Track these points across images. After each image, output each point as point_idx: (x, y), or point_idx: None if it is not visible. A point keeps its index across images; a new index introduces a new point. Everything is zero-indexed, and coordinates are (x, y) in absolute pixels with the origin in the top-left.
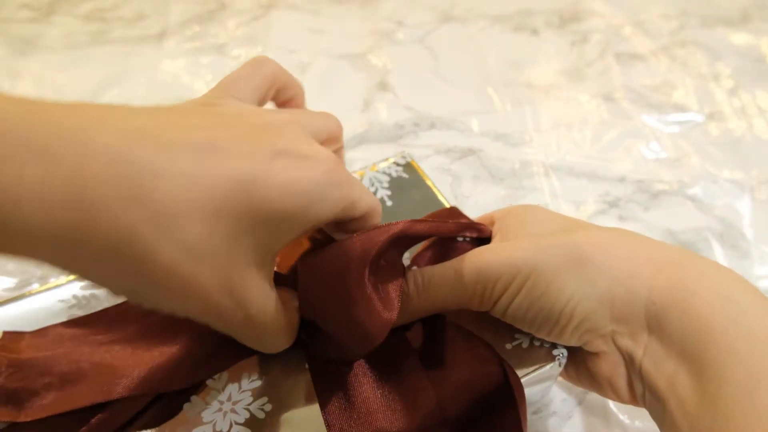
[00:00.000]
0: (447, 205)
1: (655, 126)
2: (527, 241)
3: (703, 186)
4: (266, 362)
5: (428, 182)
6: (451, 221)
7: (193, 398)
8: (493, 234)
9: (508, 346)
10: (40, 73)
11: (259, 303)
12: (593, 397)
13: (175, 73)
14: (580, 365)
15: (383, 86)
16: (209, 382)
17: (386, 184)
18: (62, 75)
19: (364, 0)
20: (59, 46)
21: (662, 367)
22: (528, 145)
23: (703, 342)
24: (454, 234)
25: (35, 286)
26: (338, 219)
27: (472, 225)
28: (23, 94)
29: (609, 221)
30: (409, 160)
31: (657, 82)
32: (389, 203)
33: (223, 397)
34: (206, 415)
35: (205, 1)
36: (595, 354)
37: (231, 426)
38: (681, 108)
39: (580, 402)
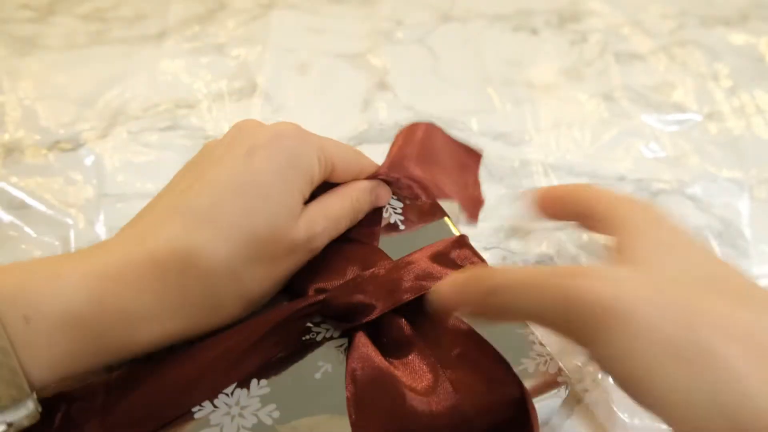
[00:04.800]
0: (457, 233)
1: (655, 125)
2: (662, 294)
3: (702, 185)
4: (276, 369)
5: (441, 210)
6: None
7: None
8: (615, 245)
9: (514, 370)
10: (40, 73)
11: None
12: (593, 395)
13: (174, 73)
14: None
15: (383, 86)
16: None
17: (399, 210)
18: (62, 75)
19: (364, 0)
20: (59, 46)
21: None
22: (527, 144)
23: None
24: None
25: None
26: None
27: (472, 259)
28: (23, 94)
29: None
30: None
31: (656, 81)
32: (402, 227)
33: (231, 401)
34: (214, 418)
35: (204, 1)
36: None
37: (238, 430)
38: (680, 107)
39: (579, 401)
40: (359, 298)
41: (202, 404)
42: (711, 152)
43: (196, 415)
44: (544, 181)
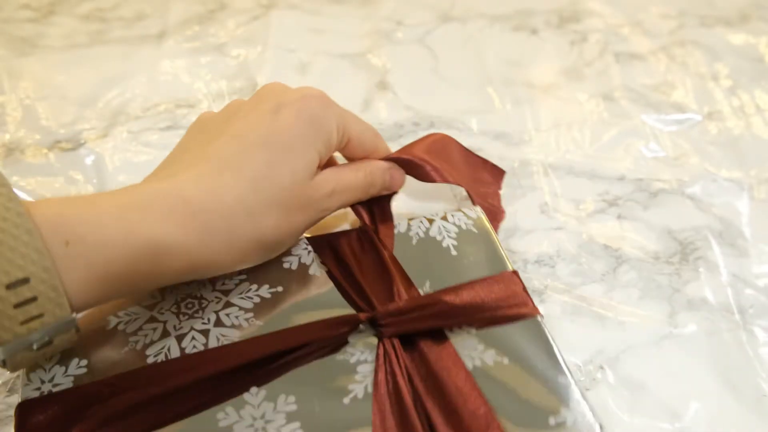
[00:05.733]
0: (510, 268)
1: (654, 125)
2: None
3: (701, 185)
4: (306, 387)
5: (495, 241)
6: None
7: (229, 409)
8: None
9: (552, 421)
10: (40, 73)
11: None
12: (593, 395)
13: (174, 73)
14: None
15: (383, 86)
16: (247, 396)
17: (454, 234)
18: (62, 75)
19: (364, 0)
20: (59, 46)
21: None
22: (527, 144)
23: None
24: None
25: None
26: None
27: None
28: (23, 94)
29: (608, 220)
30: (480, 214)
31: (656, 81)
32: (454, 253)
33: (257, 413)
34: (237, 429)
35: (204, 1)
36: None
37: None
38: (680, 107)
39: None
40: (382, 323)
41: (227, 412)
42: (711, 152)
43: (220, 424)
44: (544, 180)
